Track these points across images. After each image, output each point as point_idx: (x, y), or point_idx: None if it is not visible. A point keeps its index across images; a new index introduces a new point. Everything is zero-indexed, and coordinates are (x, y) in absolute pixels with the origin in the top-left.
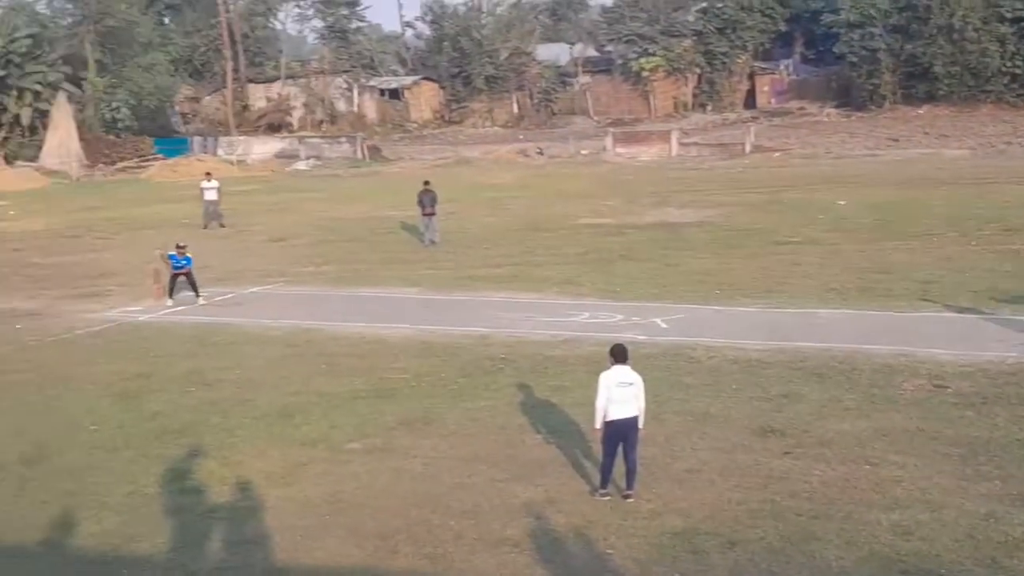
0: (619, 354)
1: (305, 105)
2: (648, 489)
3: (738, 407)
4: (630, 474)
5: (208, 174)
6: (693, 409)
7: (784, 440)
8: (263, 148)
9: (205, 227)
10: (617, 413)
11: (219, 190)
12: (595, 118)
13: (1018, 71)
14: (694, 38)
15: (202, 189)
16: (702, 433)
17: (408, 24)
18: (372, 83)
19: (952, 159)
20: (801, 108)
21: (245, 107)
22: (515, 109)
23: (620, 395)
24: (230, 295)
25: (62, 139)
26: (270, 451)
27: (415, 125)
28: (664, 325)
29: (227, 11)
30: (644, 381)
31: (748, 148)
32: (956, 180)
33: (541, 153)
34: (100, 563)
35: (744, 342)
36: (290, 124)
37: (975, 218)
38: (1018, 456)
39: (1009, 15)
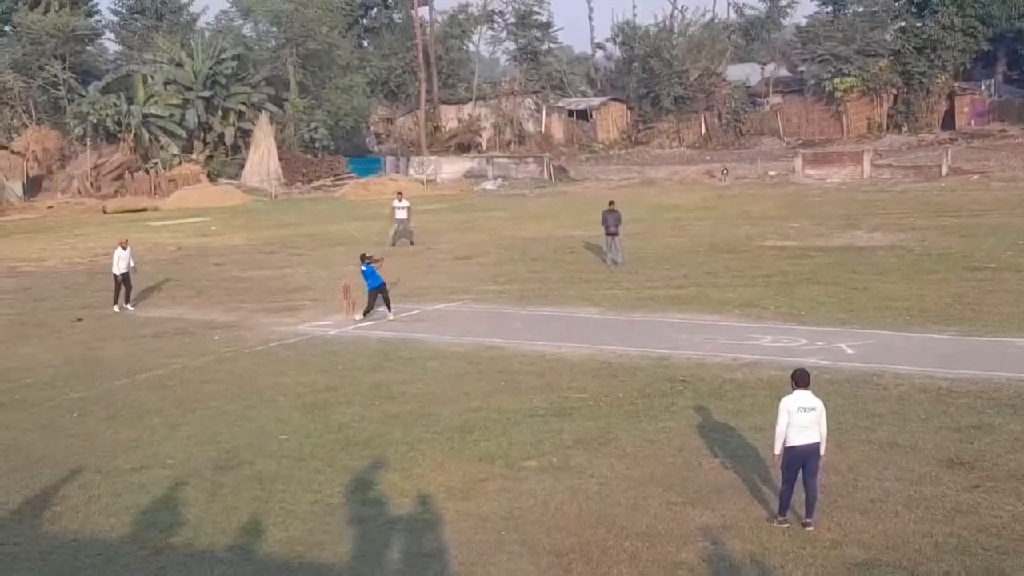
0: (801, 379)
1: (494, 126)
2: (829, 518)
3: (926, 437)
4: (810, 502)
5: (399, 194)
6: (878, 438)
7: (973, 473)
8: (452, 168)
9: (392, 244)
10: (798, 439)
11: (409, 209)
12: (785, 139)
13: None
14: (891, 58)
15: (393, 208)
16: (887, 463)
17: (599, 45)
18: (561, 104)
19: None
20: (1002, 130)
21: (437, 127)
22: (703, 129)
23: (801, 420)
24: (416, 311)
25: (263, 158)
26: (450, 465)
27: (601, 145)
28: (850, 351)
29: (424, 34)
30: (827, 407)
31: (945, 170)
32: None
33: (726, 173)
34: (286, 570)
35: (934, 370)
36: (479, 144)
37: None
38: None
39: None
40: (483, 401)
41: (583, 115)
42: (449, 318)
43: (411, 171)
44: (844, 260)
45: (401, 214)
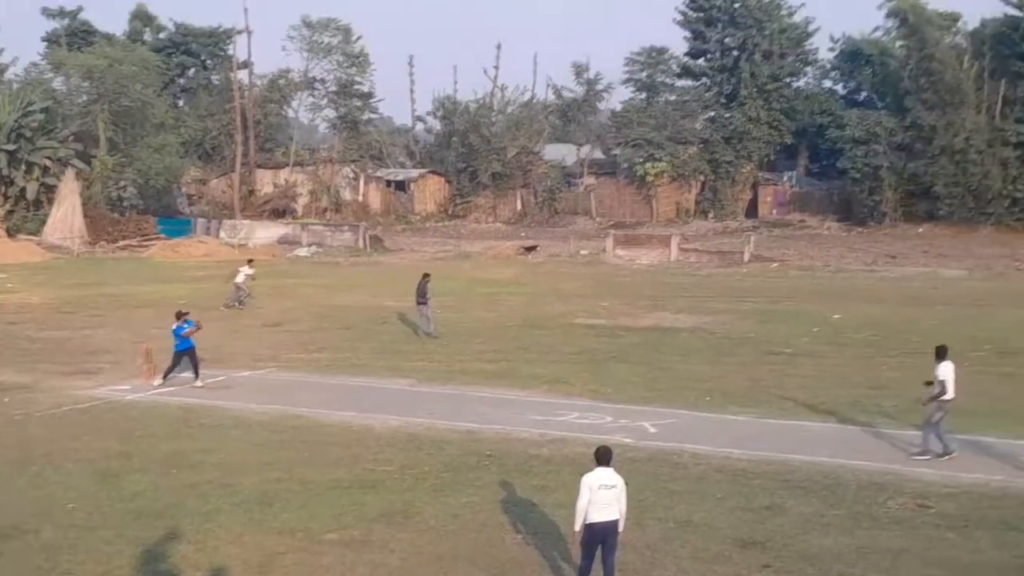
0: (602, 456)
1: (311, 192)
2: None
3: (721, 516)
4: None
5: (250, 261)
6: (676, 516)
7: (765, 553)
8: (266, 233)
9: (228, 306)
10: (598, 516)
11: (251, 277)
12: (597, 219)
13: (1019, 195)
14: (700, 146)
15: (239, 271)
16: (684, 541)
17: (419, 118)
18: (379, 174)
19: (949, 279)
20: (802, 220)
21: (252, 191)
22: (519, 206)
23: (602, 498)
24: (221, 377)
25: (66, 214)
26: (247, 538)
27: (418, 217)
28: (652, 429)
29: (242, 97)
30: (628, 485)
31: (747, 257)
32: (952, 300)
33: (529, 250)
34: None
35: (731, 451)
36: (295, 210)
37: (970, 339)
38: None
39: (1013, 139)
40: (285, 472)
41: (401, 186)
42: (255, 386)
43: (222, 234)
44: (650, 340)
45: (240, 278)
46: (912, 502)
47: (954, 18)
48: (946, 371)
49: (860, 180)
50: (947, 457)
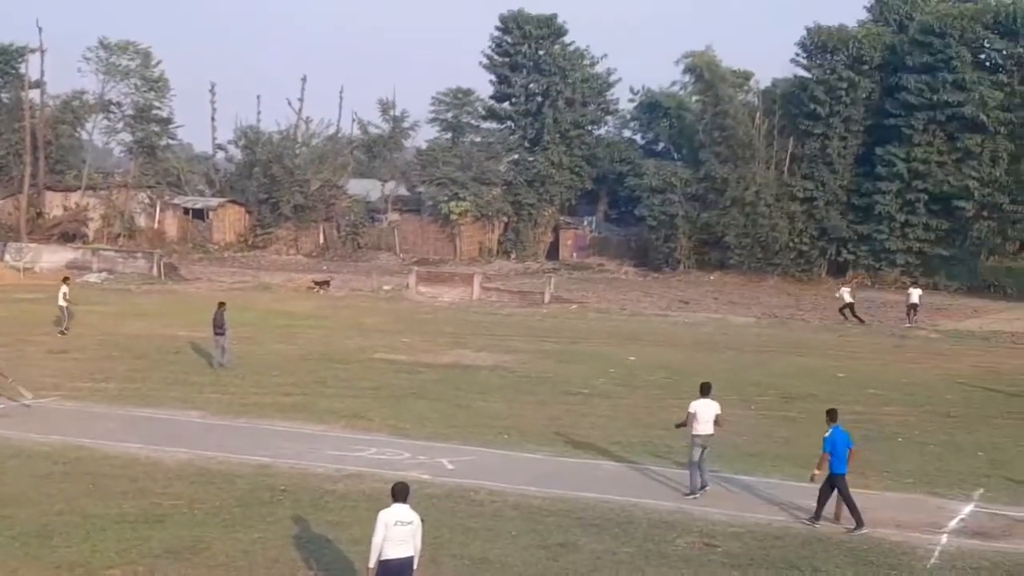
0: (399, 492)
1: (103, 217)
2: None
3: (516, 554)
4: None
5: (66, 279)
6: (471, 553)
7: None
8: (53, 257)
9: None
10: (393, 552)
11: (65, 296)
12: (401, 255)
13: (804, 247)
14: (504, 187)
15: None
16: None
17: (220, 146)
18: (176, 201)
19: (738, 325)
20: (601, 264)
21: (40, 214)
22: (321, 239)
23: (398, 534)
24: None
25: None
26: (23, 572)
27: (217, 247)
28: (450, 466)
29: (33, 117)
30: (424, 522)
31: (547, 298)
32: (740, 346)
33: (320, 285)
34: None
35: (528, 488)
36: (85, 235)
37: (755, 384)
38: None
39: (800, 195)
40: (66, 504)
41: (200, 214)
42: (36, 415)
43: (7, 257)
44: (450, 377)
45: (61, 300)
46: (700, 541)
47: (746, 76)
48: (696, 406)
49: (656, 227)
50: (692, 496)
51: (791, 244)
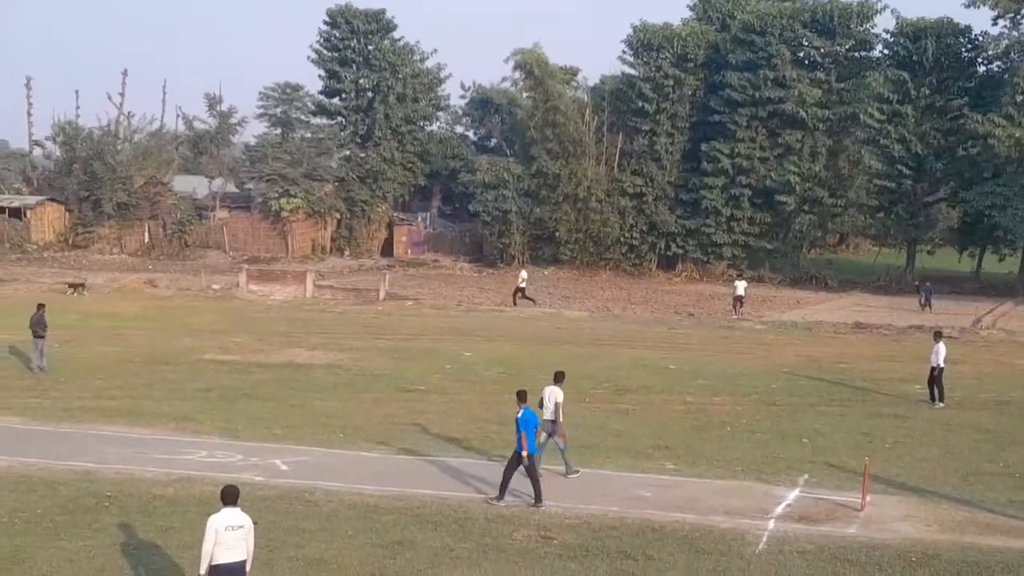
0: (229, 496)
1: None
2: None
3: (352, 553)
4: None
5: None
6: (307, 555)
7: None
8: None
9: None
10: (224, 557)
11: None
12: (230, 253)
13: (635, 242)
14: (336, 183)
15: None
16: None
17: (37, 143)
18: None
19: (572, 319)
20: (436, 260)
21: None
22: (147, 238)
23: (228, 539)
24: None
25: None
26: None
27: (35, 246)
28: (284, 467)
29: None
30: (257, 525)
31: (382, 295)
32: (574, 340)
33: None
34: None
35: (363, 487)
36: None
37: (589, 377)
38: None
39: (630, 190)
40: None
41: (16, 213)
42: None
43: None
44: (283, 377)
45: None
46: (536, 534)
47: (573, 72)
48: (546, 392)
49: (490, 223)
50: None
51: (622, 239)
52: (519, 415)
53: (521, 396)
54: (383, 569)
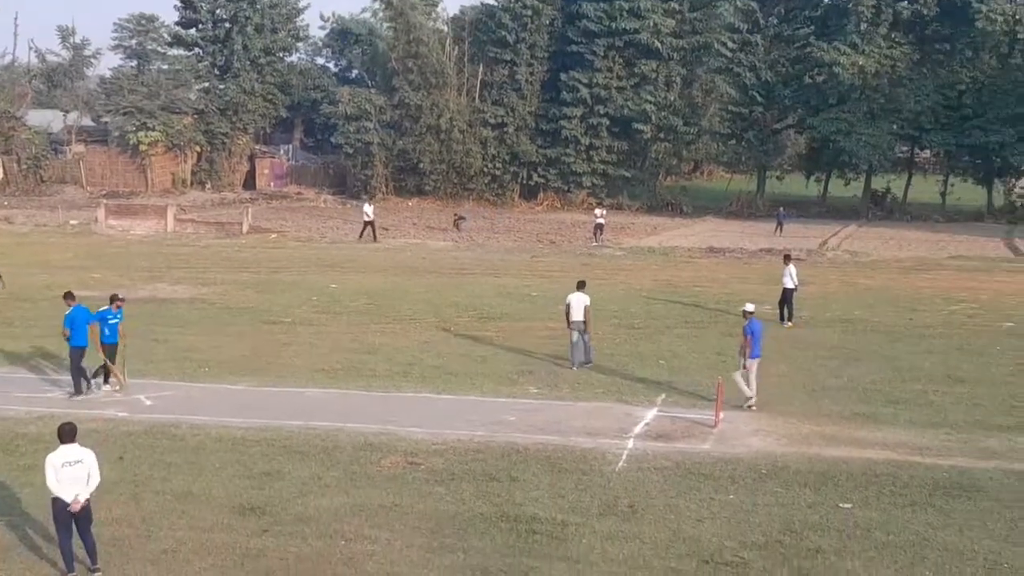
0: (65, 434)
1: None
2: (120, 570)
3: (219, 486)
4: (90, 550)
5: None
6: (174, 488)
7: (263, 518)
8: None
9: None
10: (66, 493)
11: None
12: (88, 188)
13: (497, 172)
14: (195, 116)
15: None
16: (181, 512)
17: None
18: None
19: (436, 250)
20: (299, 192)
21: None
22: (1, 174)
23: (67, 475)
24: None
25: None
26: None
27: None
28: (149, 402)
29: None
30: (123, 459)
31: (245, 228)
32: (439, 270)
33: None
34: None
35: (229, 420)
36: None
37: (453, 306)
38: (480, 529)
39: (492, 121)
40: None
41: None
42: None
43: None
44: (146, 312)
45: None
46: (403, 460)
47: (433, 3)
48: (570, 298)
49: (353, 155)
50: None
51: (485, 169)
52: (68, 312)
53: (68, 296)
54: (252, 500)
